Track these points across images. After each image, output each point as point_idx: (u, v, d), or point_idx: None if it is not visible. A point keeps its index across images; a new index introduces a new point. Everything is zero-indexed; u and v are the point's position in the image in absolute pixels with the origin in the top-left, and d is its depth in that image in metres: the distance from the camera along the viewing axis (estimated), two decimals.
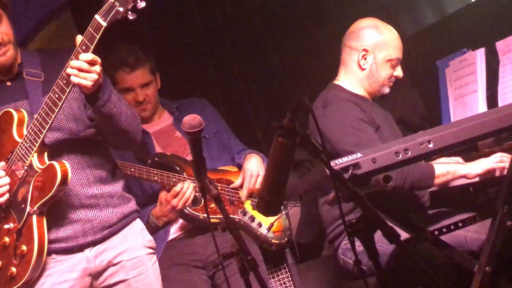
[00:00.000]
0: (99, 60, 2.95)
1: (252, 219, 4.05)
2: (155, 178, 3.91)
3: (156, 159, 4.01)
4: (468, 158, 3.63)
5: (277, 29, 5.24)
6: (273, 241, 4.04)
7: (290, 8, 5.20)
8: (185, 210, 3.92)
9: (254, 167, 4.15)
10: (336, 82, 3.88)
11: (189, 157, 4.04)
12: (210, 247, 3.91)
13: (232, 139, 4.38)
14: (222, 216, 3.81)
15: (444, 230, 3.17)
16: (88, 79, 2.92)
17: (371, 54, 3.75)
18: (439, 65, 4.39)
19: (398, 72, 3.83)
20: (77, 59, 2.91)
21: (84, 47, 2.91)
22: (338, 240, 3.75)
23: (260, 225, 4.05)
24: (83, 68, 2.91)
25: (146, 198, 4.04)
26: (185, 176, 3.95)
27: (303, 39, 5.20)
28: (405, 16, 5.06)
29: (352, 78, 3.83)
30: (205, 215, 3.82)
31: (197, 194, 3.91)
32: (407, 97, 4.85)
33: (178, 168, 3.98)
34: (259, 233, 4.03)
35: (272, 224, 3.90)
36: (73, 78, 2.92)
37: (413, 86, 4.87)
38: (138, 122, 3.30)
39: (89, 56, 2.91)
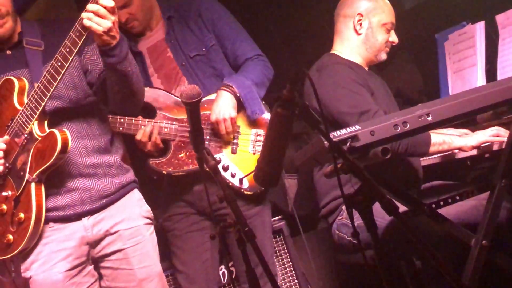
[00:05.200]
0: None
1: (226, 168, 3.81)
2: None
3: None
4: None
5: (275, 1, 5.21)
6: (245, 192, 3.80)
7: None
8: (149, 162, 3.79)
9: (219, 111, 3.73)
10: (332, 52, 3.91)
11: (178, 84, 3.89)
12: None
13: (236, 45, 3.94)
14: (185, 169, 3.77)
15: (442, 203, 3.17)
16: (101, 25, 2.88)
17: (366, 19, 3.79)
18: (438, 38, 4.39)
19: (393, 37, 3.86)
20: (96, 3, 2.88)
21: None
22: (332, 216, 3.75)
23: (233, 175, 3.80)
24: (99, 13, 2.87)
25: None
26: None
27: (300, 11, 5.18)
28: None
29: (348, 46, 3.85)
30: (169, 170, 3.77)
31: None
32: (405, 70, 4.86)
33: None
34: (230, 184, 3.79)
35: (242, 178, 3.77)
36: (85, 22, 2.88)
37: (412, 59, 4.86)
38: (143, 84, 3.31)
39: (110, 2, 2.88)
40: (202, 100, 3.67)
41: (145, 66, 3.93)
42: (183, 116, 3.75)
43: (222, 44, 3.95)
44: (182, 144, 3.77)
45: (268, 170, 2.53)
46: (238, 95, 3.76)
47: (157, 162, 3.79)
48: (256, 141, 3.81)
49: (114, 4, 2.89)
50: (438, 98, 3.63)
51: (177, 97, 3.79)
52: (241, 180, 3.79)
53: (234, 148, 3.82)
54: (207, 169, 2.69)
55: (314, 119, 2.30)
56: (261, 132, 3.80)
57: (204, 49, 3.91)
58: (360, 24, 3.79)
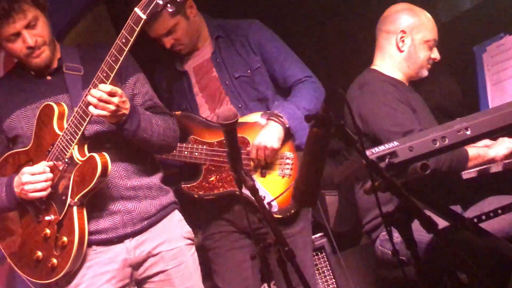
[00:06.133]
0: (119, 91, 3.00)
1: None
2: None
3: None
4: None
5: (310, 17, 5.22)
6: (275, 216, 3.76)
7: None
8: (181, 186, 3.84)
9: (263, 138, 3.72)
10: (373, 67, 3.89)
11: (221, 103, 3.90)
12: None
13: (285, 67, 3.92)
14: (215, 193, 3.81)
15: (484, 217, 3.14)
16: (106, 110, 2.98)
17: (409, 35, 3.77)
18: (476, 50, 4.36)
19: (435, 54, 3.85)
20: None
21: (124, 40, 2.94)
22: (376, 232, 3.73)
23: (263, 198, 3.66)
24: (102, 99, 2.96)
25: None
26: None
27: (337, 27, 5.18)
28: (442, 1, 5.02)
29: (390, 62, 3.83)
30: (200, 193, 3.82)
31: None
32: (444, 83, 4.82)
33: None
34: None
35: (271, 201, 3.72)
36: (90, 109, 2.99)
37: (450, 72, 4.83)
38: (173, 133, 3.34)
39: (107, 87, 2.96)
40: (241, 124, 3.73)
41: (190, 85, 3.96)
42: (214, 139, 3.80)
43: (270, 67, 3.94)
44: (213, 168, 3.80)
45: (305, 189, 2.53)
46: (287, 126, 3.75)
47: (189, 185, 3.83)
48: (285, 164, 3.79)
49: (111, 89, 2.97)
50: (477, 110, 3.62)
51: (208, 120, 3.82)
52: (269, 204, 3.72)
53: (263, 172, 3.82)
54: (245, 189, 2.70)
55: (350, 137, 2.30)
56: (290, 155, 3.79)
57: (249, 71, 3.91)
58: (403, 41, 3.77)
